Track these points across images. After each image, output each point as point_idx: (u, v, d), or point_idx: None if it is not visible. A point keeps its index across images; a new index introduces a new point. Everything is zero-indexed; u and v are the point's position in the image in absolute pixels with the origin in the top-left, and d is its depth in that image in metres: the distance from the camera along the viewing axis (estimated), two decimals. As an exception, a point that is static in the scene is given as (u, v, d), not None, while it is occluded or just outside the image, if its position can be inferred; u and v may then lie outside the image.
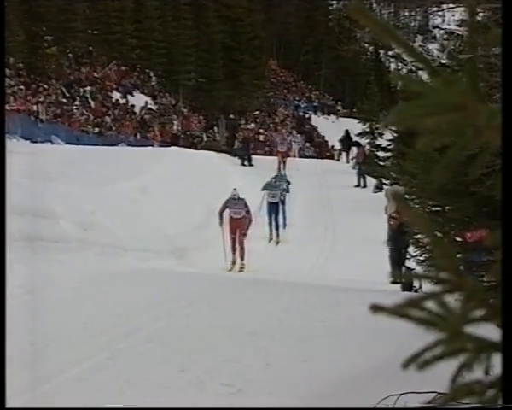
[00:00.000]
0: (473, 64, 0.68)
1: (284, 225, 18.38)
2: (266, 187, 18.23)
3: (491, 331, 0.71)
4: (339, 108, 50.22)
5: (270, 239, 17.79)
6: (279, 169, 24.32)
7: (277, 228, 17.98)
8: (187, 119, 35.45)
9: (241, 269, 15.16)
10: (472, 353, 0.67)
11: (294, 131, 36.37)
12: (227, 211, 15.41)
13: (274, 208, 18.12)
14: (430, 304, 0.68)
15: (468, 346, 0.67)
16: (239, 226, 15.40)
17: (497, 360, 0.71)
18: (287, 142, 29.71)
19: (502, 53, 0.75)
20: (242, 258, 15.41)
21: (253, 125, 39.20)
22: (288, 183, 20.24)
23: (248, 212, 15.49)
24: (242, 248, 15.48)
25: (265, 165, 24.80)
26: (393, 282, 9.63)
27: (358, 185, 24.94)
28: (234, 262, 15.33)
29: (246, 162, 27.64)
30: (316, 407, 4.82)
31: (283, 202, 18.74)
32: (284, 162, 25.98)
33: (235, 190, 15.67)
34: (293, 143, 31.90)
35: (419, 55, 0.70)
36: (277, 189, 18.42)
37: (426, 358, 0.67)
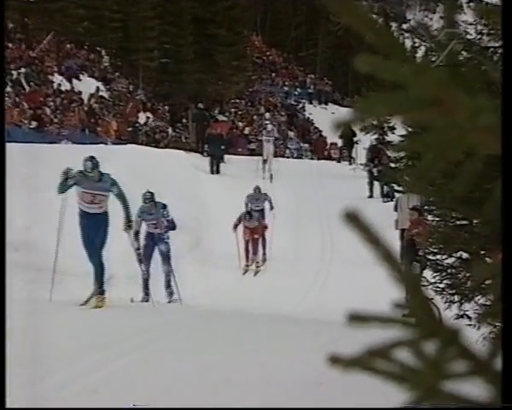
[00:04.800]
0: (454, 51, 0.67)
1: (172, 294, 14.72)
2: (142, 214, 14.51)
3: (475, 388, 0.71)
4: (339, 95, 50.44)
5: (145, 300, 13.84)
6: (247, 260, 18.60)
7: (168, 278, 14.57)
8: (133, 106, 34.78)
9: None
10: (452, 415, 0.66)
11: (267, 114, 36.22)
12: None
13: (157, 243, 14.64)
14: (401, 354, 0.68)
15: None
16: None
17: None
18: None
19: (502, 53, 0.75)
20: None
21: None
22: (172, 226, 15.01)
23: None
24: None
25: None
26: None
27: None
28: None
29: (214, 168, 26.54)
30: (313, 407, 4.91)
31: (167, 255, 14.80)
32: (255, 243, 18.76)
33: None
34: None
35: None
36: (156, 216, 14.54)
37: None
